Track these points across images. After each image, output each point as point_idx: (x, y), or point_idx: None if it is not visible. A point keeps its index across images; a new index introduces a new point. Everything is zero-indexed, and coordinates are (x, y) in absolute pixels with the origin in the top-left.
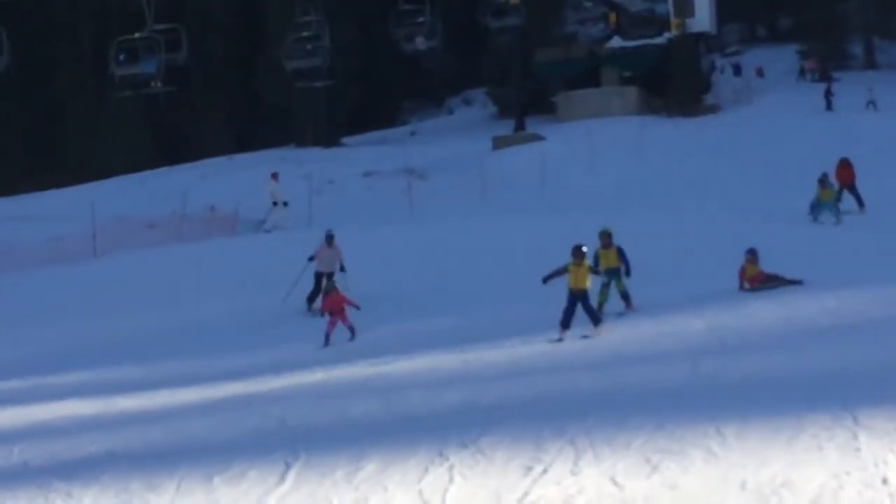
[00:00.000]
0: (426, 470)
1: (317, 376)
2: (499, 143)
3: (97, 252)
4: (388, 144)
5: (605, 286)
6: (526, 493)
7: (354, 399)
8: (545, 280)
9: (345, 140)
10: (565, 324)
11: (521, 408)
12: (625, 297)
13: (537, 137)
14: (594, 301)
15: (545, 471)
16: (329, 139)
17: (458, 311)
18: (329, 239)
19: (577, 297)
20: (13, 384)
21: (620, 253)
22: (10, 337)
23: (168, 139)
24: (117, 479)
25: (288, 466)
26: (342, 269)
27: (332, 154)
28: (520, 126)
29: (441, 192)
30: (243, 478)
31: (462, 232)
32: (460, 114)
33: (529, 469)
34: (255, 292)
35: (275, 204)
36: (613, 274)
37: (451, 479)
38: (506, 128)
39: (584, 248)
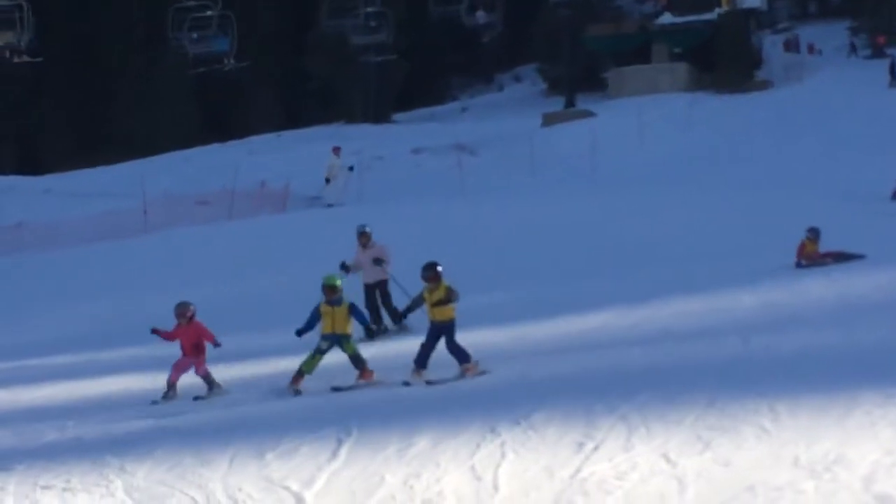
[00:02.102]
0: (478, 446)
1: (368, 352)
2: (549, 119)
3: (148, 228)
4: (437, 121)
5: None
6: (578, 470)
7: (405, 375)
8: (404, 315)
9: (394, 116)
10: (420, 362)
11: (573, 384)
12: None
13: (587, 114)
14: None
15: (597, 447)
16: (379, 115)
17: (508, 288)
18: (362, 236)
19: (438, 329)
20: (66, 359)
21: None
22: (62, 312)
23: (218, 115)
24: (170, 454)
25: (340, 442)
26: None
27: (382, 130)
28: (570, 102)
29: (491, 169)
30: (295, 453)
31: (512, 209)
32: (510, 90)
33: (581, 445)
34: (306, 268)
35: (327, 181)
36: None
37: (502, 456)
38: (556, 104)
39: (440, 268)
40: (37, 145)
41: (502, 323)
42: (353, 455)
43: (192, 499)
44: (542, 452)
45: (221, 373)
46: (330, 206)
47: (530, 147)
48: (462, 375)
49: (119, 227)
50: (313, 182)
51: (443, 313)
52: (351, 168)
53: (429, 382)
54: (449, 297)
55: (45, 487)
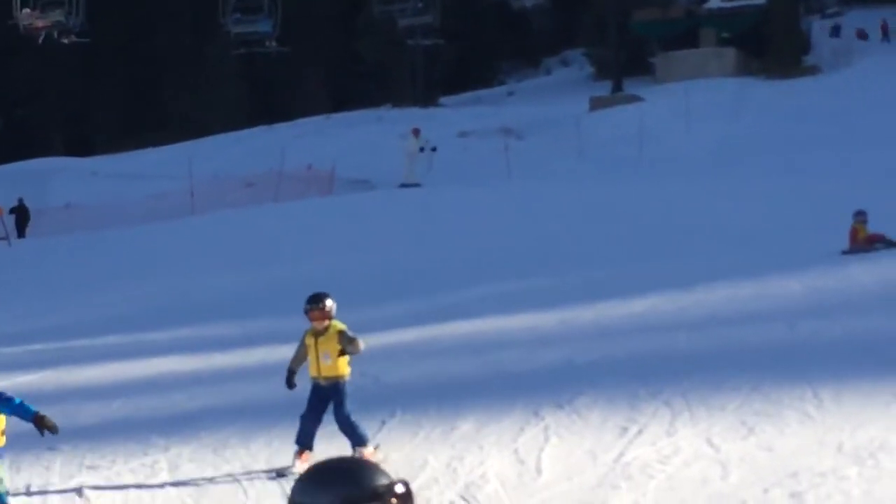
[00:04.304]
0: (522, 430)
1: (413, 334)
2: (596, 103)
3: (195, 209)
4: (484, 105)
5: None
6: (621, 454)
7: (451, 358)
8: (290, 378)
9: (442, 100)
10: (302, 439)
11: (617, 368)
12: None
13: (635, 99)
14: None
15: (640, 431)
16: (426, 99)
17: (553, 272)
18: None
19: (322, 391)
20: (113, 339)
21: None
22: (110, 292)
23: (266, 98)
24: (214, 436)
25: (384, 424)
26: None
27: (429, 114)
28: (617, 87)
29: (537, 153)
30: (339, 435)
31: (558, 193)
32: (557, 74)
33: (625, 430)
34: (352, 251)
35: (421, 149)
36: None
37: (546, 439)
38: (603, 89)
39: (329, 302)
40: (85, 127)
41: (547, 307)
42: (396, 437)
43: (236, 480)
44: (586, 436)
45: (268, 354)
46: (407, 186)
47: (577, 131)
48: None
49: (166, 209)
50: (359, 165)
51: (333, 368)
52: (434, 149)
53: (279, 474)
54: (345, 346)
55: (90, 467)
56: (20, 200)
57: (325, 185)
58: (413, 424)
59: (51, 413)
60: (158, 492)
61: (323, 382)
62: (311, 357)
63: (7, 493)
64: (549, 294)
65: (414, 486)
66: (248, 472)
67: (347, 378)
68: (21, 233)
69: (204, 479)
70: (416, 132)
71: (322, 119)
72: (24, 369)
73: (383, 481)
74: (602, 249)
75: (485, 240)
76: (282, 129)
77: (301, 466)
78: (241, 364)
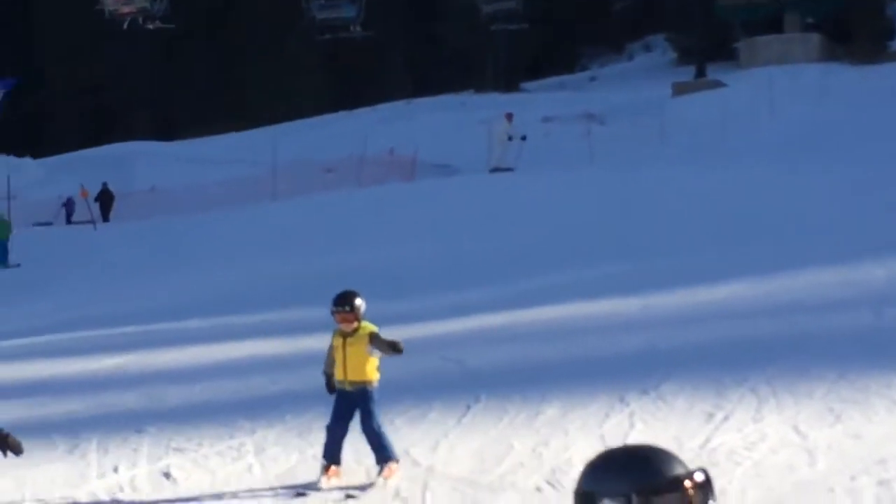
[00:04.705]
0: (606, 416)
1: (497, 319)
2: (679, 89)
3: (277, 194)
4: (567, 90)
5: None
6: (707, 440)
7: (535, 343)
8: (329, 382)
9: (524, 85)
10: (328, 453)
11: (701, 355)
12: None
13: (718, 84)
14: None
15: (726, 418)
16: (508, 84)
17: (636, 257)
18: None
19: (348, 397)
20: (195, 323)
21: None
22: (193, 276)
23: (347, 83)
24: (299, 419)
25: (468, 408)
26: None
27: (511, 99)
28: (700, 72)
29: (620, 139)
30: (423, 419)
31: (641, 179)
32: (640, 59)
33: (710, 416)
34: (434, 236)
35: (509, 138)
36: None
37: (631, 425)
38: (686, 74)
39: (358, 301)
40: (169, 112)
41: (630, 292)
42: (480, 421)
43: (321, 462)
44: (671, 422)
45: None
46: (498, 170)
47: (660, 117)
48: (381, 477)
49: (248, 194)
50: (442, 150)
51: (362, 372)
52: (523, 137)
53: (349, 496)
54: (380, 350)
55: (176, 449)
56: (104, 185)
57: (407, 170)
58: (498, 409)
59: (135, 396)
60: (245, 475)
61: (349, 388)
62: (337, 360)
63: None
64: (632, 279)
65: (499, 471)
66: None
67: (376, 384)
68: (106, 217)
69: (289, 461)
70: (510, 117)
71: (404, 104)
72: (109, 352)
73: (680, 470)
74: (685, 235)
75: (568, 225)
76: (363, 114)
77: (329, 483)
78: (322, 348)
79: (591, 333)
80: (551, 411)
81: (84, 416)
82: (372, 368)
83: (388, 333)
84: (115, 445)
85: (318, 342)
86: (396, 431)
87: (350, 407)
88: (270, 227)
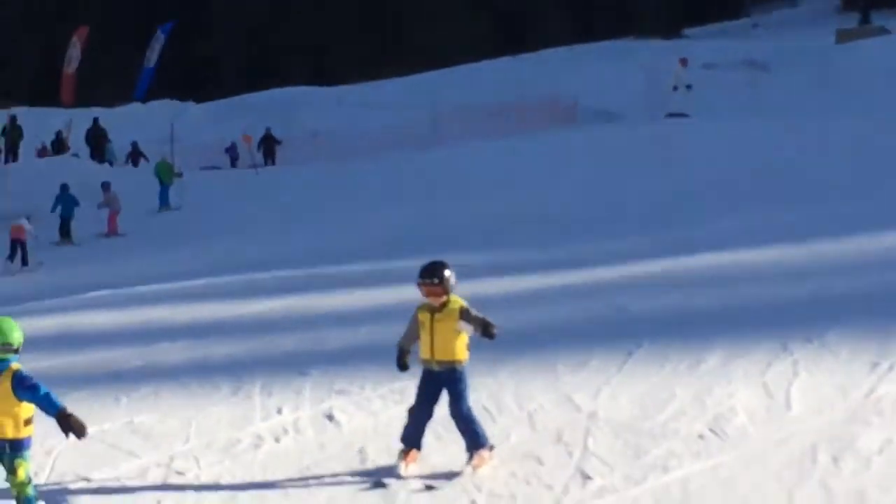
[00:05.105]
0: (769, 364)
1: (658, 266)
2: (843, 36)
3: (439, 140)
4: (729, 37)
5: None
6: (872, 390)
7: (697, 290)
8: (401, 357)
9: (685, 31)
10: (408, 437)
11: (867, 303)
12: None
13: (883, 31)
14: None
15: (892, 367)
16: (669, 30)
17: (800, 204)
18: None
19: (435, 378)
20: (359, 266)
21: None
22: (355, 221)
23: (510, 28)
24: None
25: (630, 355)
26: None
27: (673, 45)
28: (864, 19)
29: (783, 86)
30: (584, 366)
31: (804, 125)
32: (804, 6)
33: (875, 365)
34: (595, 183)
35: (675, 88)
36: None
37: (795, 374)
38: (850, 21)
39: (447, 273)
40: (329, 57)
41: (794, 240)
42: (642, 369)
43: (485, 408)
44: (836, 371)
45: (513, 284)
46: (673, 115)
47: (824, 64)
48: (470, 466)
49: (410, 139)
50: (603, 96)
51: (451, 351)
52: (689, 87)
53: (429, 487)
54: (486, 331)
55: (339, 392)
56: (268, 130)
57: (568, 116)
58: (659, 356)
59: (298, 339)
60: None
61: (436, 368)
62: (423, 337)
63: (36, 498)
64: (797, 227)
65: (661, 418)
66: (496, 400)
67: (466, 364)
68: (270, 161)
69: None
70: (684, 62)
71: (565, 50)
72: (271, 295)
73: None
74: (850, 182)
75: (731, 172)
76: (526, 59)
77: (408, 469)
78: (487, 293)
79: (754, 281)
80: (713, 359)
81: (247, 359)
82: (462, 347)
83: (553, 279)
84: (279, 388)
85: (480, 287)
86: (558, 378)
87: (436, 389)
88: (432, 172)
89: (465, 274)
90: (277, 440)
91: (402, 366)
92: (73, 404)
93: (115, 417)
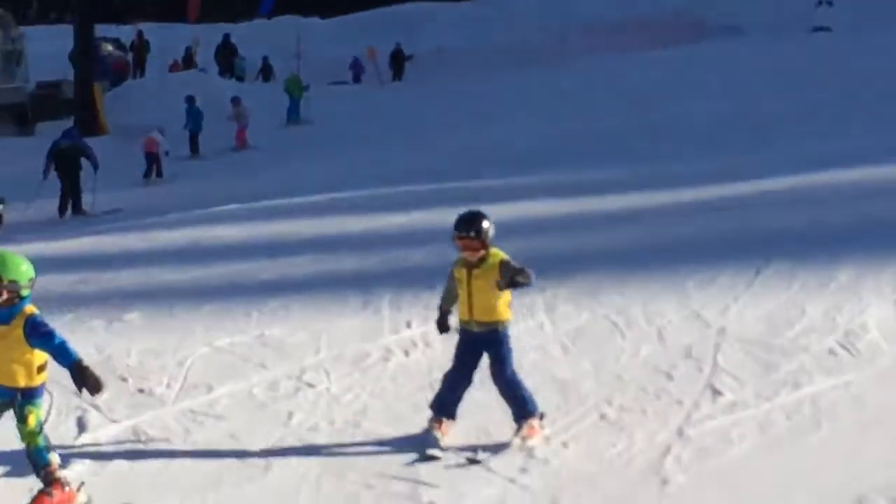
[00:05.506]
0: None
1: (786, 183)
2: None
3: (567, 55)
4: None
5: None
6: None
7: (825, 207)
8: (442, 319)
9: None
10: (440, 405)
11: None
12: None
13: None
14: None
15: None
16: None
17: None
18: None
19: (475, 340)
20: (485, 182)
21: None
22: (480, 137)
23: None
24: (589, 279)
25: (758, 272)
26: None
27: None
28: None
29: None
30: (712, 283)
31: None
32: None
33: None
34: (722, 98)
35: (819, 3)
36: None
37: None
38: None
39: (486, 224)
40: None
41: None
42: (770, 286)
43: (614, 323)
44: None
45: (646, 200)
46: (820, 29)
47: None
48: (519, 437)
49: (535, 55)
50: (729, 11)
51: (492, 311)
52: (830, 3)
53: (471, 460)
54: (513, 279)
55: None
56: (398, 45)
57: (694, 31)
58: (787, 274)
59: (424, 253)
60: (537, 332)
61: (476, 329)
62: (461, 295)
63: (47, 449)
64: None
65: (790, 335)
66: (625, 316)
67: (509, 324)
68: (398, 76)
69: (580, 320)
70: None
71: None
72: (397, 210)
73: None
74: None
75: (869, 84)
76: None
77: (435, 440)
78: (612, 208)
79: (884, 198)
80: (843, 276)
81: (375, 273)
82: (504, 306)
83: (678, 195)
84: (407, 302)
85: (606, 203)
86: (687, 295)
87: (476, 352)
88: (560, 88)
89: (595, 189)
90: (407, 353)
91: (443, 327)
92: (205, 318)
93: (246, 330)
